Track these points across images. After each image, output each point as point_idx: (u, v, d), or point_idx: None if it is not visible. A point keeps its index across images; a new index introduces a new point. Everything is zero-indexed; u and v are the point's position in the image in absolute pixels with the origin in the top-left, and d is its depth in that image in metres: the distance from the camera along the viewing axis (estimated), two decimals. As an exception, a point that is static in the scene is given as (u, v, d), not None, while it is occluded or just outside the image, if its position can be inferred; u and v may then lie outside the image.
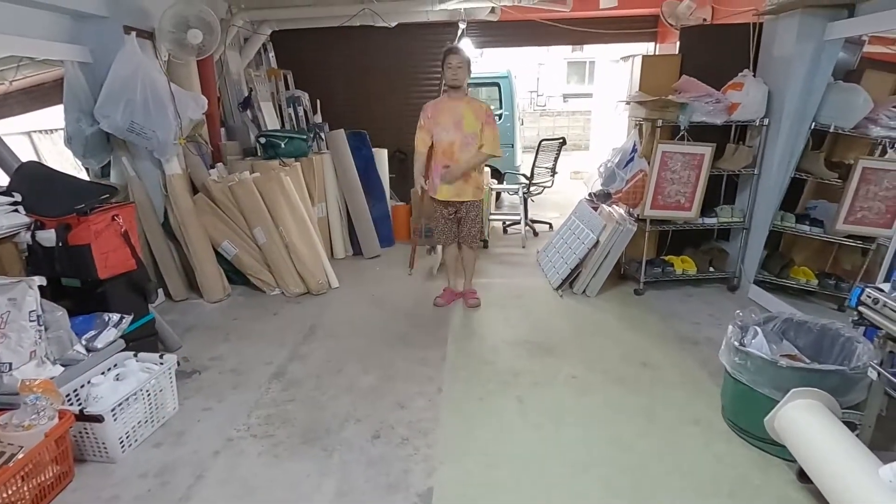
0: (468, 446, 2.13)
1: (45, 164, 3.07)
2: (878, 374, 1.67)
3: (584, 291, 3.67)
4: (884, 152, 3.00)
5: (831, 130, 3.08)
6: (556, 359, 2.82)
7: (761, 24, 3.47)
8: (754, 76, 3.40)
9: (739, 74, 3.42)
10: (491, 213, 5.18)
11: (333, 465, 2.03)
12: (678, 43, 3.93)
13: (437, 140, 3.16)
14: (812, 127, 3.14)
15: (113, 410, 2.01)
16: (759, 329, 2.18)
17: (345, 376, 2.69)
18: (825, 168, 3.18)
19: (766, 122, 3.36)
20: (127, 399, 2.09)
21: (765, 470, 1.95)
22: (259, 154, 4.29)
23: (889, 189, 2.88)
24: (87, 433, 2.02)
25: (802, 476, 1.81)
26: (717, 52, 3.56)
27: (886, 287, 1.71)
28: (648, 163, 3.47)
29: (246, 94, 4.61)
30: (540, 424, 2.26)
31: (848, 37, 2.97)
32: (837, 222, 3.05)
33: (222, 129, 4.46)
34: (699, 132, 3.40)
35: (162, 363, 2.35)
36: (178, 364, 2.47)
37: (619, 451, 2.08)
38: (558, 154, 5.57)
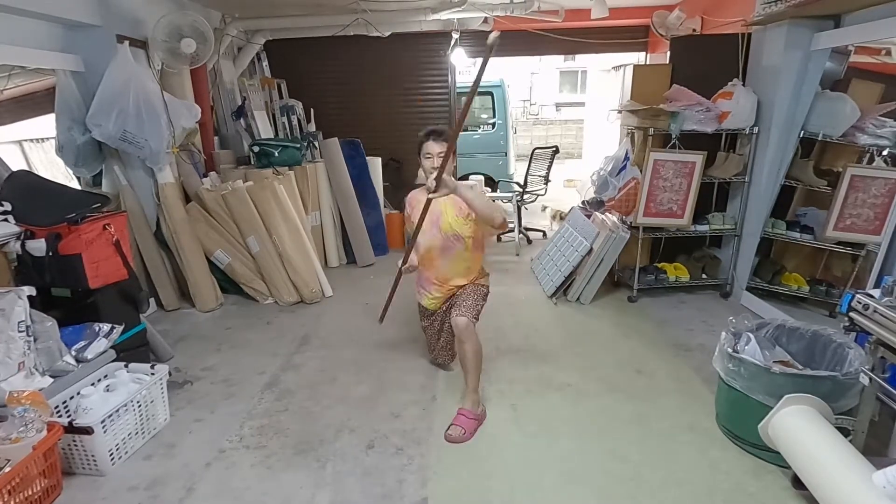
0: (462, 456, 2.12)
1: (35, 173, 3.04)
2: (870, 379, 1.68)
3: (578, 299, 3.68)
4: (871, 160, 3.04)
5: (820, 139, 3.13)
6: (551, 366, 2.81)
7: (750, 35, 3.52)
8: (744, 85, 3.44)
9: (729, 84, 3.46)
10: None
11: (327, 476, 2.01)
12: (668, 53, 3.99)
13: (418, 244, 2.37)
14: (801, 135, 3.18)
15: (103, 422, 1.98)
16: (751, 335, 2.19)
17: (338, 386, 2.67)
18: (814, 176, 3.21)
19: (755, 130, 3.40)
20: (117, 410, 2.06)
21: (760, 477, 1.96)
22: (252, 163, 4.28)
23: (877, 196, 2.92)
24: (76, 445, 1.99)
25: (797, 482, 1.81)
26: (707, 62, 3.61)
27: (876, 293, 1.73)
28: (640, 171, 3.49)
29: (239, 102, 4.61)
30: (534, 433, 2.25)
31: (834, 47, 3.02)
32: (827, 229, 3.08)
33: (216, 138, 4.45)
34: (690, 140, 3.43)
35: (153, 374, 2.33)
36: (170, 374, 2.44)
37: (613, 460, 2.07)
38: (551, 162, 5.61)
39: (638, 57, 6.05)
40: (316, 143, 4.83)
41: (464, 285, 2.44)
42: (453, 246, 2.35)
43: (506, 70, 10.34)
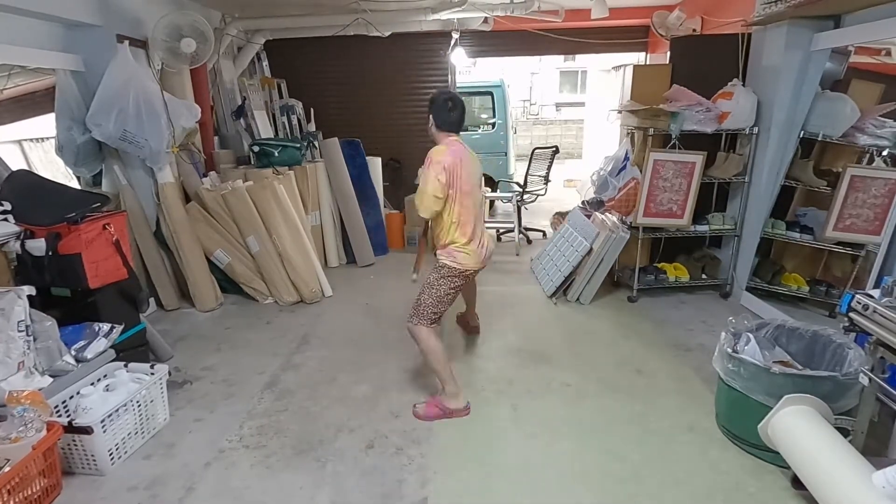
0: (462, 455, 2.12)
1: (35, 172, 3.04)
2: (870, 379, 1.68)
3: (577, 299, 3.68)
4: (871, 160, 3.04)
5: (819, 139, 3.13)
6: (550, 366, 2.81)
7: (750, 35, 3.52)
8: (744, 86, 3.44)
9: (729, 84, 3.47)
10: (484, 221, 5.20)
11: (327, 476, 2.01)
12: (668, 53, 3.99)
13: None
14: (801, 135, 3.18)
15: (102, 422, 1.99)
16: (751, 336, 2.19)
17: (338, 386, 2.67)
18: (814, 176, 3.21)
19: (755, 130, 3.40)
20: (117, 410, 2.06)
21: (759, 477, 1.96)
22: (252, 162, 4.28)
23: (877, 196, 2.92)
24: (75, 445, 1.99)
25: (797, 482, 1.81)
26: (707, 62, 3.61)
27: (876, 293, 1.73)
28: (640, 171, 3.49)
29: (239, 102, 4.61)
30: (534, 433, 2.25)
31: (834, 47, 3.03)
32: (827, 229, 3.08)
33: (216, 138, 4.45)
34: (690, 140, 3.43)
35: (153, 373, 2.33)
36: (170, 374, 2.44)
37: (613, 460, 2.07)
38: (551, 162, 5.61)
39: (638, 57, 6.05)
40: (316, 143, 4.83)
41: None
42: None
43: (506, 70, 10.35)
